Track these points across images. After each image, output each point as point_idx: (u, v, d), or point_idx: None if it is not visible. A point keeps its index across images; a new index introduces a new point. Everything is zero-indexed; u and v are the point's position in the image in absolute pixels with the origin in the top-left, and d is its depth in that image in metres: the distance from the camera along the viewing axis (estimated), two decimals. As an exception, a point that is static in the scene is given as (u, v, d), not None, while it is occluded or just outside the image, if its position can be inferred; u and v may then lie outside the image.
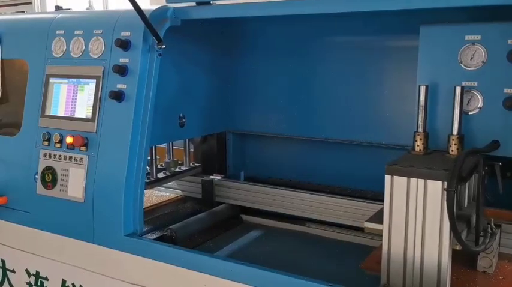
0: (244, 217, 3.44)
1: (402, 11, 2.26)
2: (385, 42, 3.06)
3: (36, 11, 7.25)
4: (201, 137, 3.70)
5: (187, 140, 3.56)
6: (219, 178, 3.56)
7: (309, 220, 3.20)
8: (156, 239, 2.90)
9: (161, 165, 3.50)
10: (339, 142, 3.28)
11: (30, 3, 7.51)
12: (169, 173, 3.40)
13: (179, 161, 3.55)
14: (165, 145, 3.51)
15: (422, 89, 2.28)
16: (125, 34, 2.69)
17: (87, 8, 5.10)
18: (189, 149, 3.60)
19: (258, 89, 3.54)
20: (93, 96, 2.74)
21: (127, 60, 2.67)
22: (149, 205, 3.51)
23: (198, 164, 3.63)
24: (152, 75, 2.67)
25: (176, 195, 3.70)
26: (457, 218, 2.16)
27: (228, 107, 3.63)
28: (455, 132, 2.23)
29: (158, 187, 3.71)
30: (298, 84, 3.37)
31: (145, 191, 3.67)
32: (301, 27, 3.30)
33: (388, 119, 3.08)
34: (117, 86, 2.68)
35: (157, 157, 3.42)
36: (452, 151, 2.24)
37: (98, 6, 6.91)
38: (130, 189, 2.63)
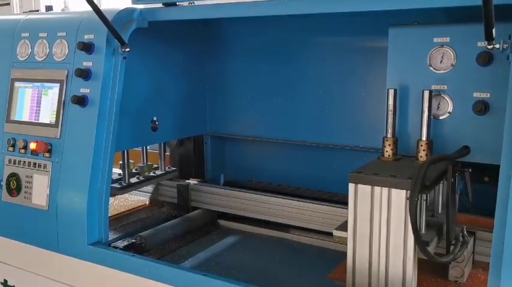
0: (222, 222, 3.41)
1: (379, 12, 2.22)
2: (364, 43, 3.04)
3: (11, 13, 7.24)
4: (178, 141, 3.67)
5: (162, 143, 3.53)
6: (195, 182, 3.53)
7: (289, 226, 3.17)
8: (125, 247, 2.88)
9: (136, 169, 3.48)
10: (317, 145, 3.26)
11: (8, 4, 7.46)
12: (142, 178, 3.37)
13: (154, 166, 3.53)
14: (140, 148, 3.49)
15: (391, 92, 2.25)
16: (88, 37, 2.66)
17: (63, 9, 5.05)
18: (164, 153, 3.57)
19: (236, 91, 3.51)
20: (56, 101, 2.72)
21: (90, 63, 2.64)
22: (123, 210, 3.49)
23: (173, 168, 3.60)
24: (117, 78, 2.64)
25: (152, 200, 3.67)
26: (428, 225, 2.15)
27: (205, 109, 3.61)
28: (423, 137, 2.20)
29: (134, 192, 3.69)
30: (277, 86, 3.35)
31: (121, 196, 3.70)
32: (279, 27, 3.27)
33: (365, 122, 3.06)
34: (81, 91, 2.65)
35: (132, 161, 3.41)
36: (421, 156, 2.21)
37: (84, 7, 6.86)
38: (94, 196, 2.61)
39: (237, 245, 3.11)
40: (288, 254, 2.97)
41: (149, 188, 3.65)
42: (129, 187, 3.23)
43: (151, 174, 3.45)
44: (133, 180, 3.31)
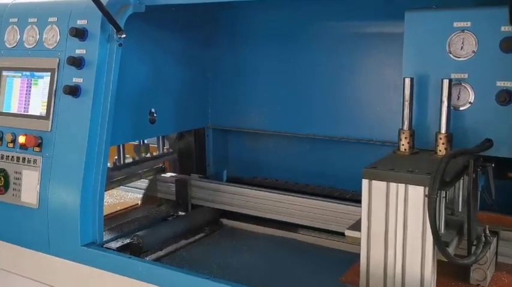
0: (225, 221, 3.41)
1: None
2: (378, 29, 3.02)
3: None
4: (177, 134, 3.66)
5: (161, 137, 3.52)
6: (196, 178, 3.52)
7: (297, 225, 3.17)
8: (120, 247, 2.88)
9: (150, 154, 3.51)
10: (327, 139, 3.25)
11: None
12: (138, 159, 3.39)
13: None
14: (137, 142, 3.49)
15: (407, 81, 2.22)
16: (81, 22, 2.65)
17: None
18: (163, 147, 3.58)
19: (240, 80, 3.50)
20: (47, 92, 2.71)
21: (83, 51, 2.63)
22: (118, 208, 3.49)
23: (171, 150, 3.62)
24: (112, 67, 2.63)
25: (150, 197, 3.66)
26: (448, 225, 2.13)
27: (207, 100, 3.60)
28: (443, 130, 2.17)
29: (130, 189, 3.70)
30: (285, 76, 3.34)
31: (116, 193, 3.71)
32: (288, 12, 3.26)
33: (380, 114, 3.04)
34: (73, 80, 2.64)
35: (128, 155, 3.41)
36: (439, 150, 2.19)
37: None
38: (88, 193, 2.60)
39: (242, 246, 3.10)
40: (296, 255, 2.96)
41: (146, 184, 3.66)
42: (124, 168, 3.26)
43: (148, 155, 3.47)
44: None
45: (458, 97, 2.21)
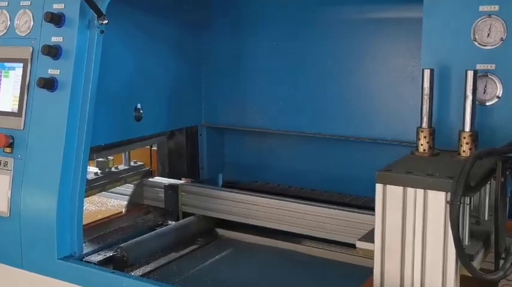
0: (220, 231, 3.42)
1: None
2: (392, 14, 3.03)
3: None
4: (167, 133, 3.66)
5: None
6: (187, 182, 3.54)
7: (301, 236, 3.18)
8: (103, 261, 2.89)
9: (115, 167, 3.50)
10: (337, 138, 3.26)
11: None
12: (101, 174, 3.43)
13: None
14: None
15: (427, 73, 2.22)
16: (57, 6, 2.66)
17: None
18: (150, 147, 3.60)
19: (238, 72, 3.51)
20: (19, 85, 2.71)
21: (60, 39, 2.64)
22: (101, 217, 3.49)
23: (140, 163, 3.64)
24: (93, 57, 2.64)
25: (136, 205, 3.68)
26: (472, 235, 2.13)
27: (200, 95, 3.61)
28: (467, 128, 2.17)
29: (114, 195, 3.72)
30: (289, 67, 3.35)
31: (98, 199, 3.72)
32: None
33: (394, 109, 3.05)
34: (49, 72, 2.65)
35: (111, 157, 3.42)
36: (463, 151, 2.19)
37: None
38: (65, 200, 2.61)
39: (239, 260, 3.12)
40: (300, 270, 2.97)
41: (131, 190, 3.68)
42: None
43: (113, 169, 3.49)
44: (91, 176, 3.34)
45: (485, 91, 2.21)
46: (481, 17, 2.20)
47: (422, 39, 2.30)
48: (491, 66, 2.20)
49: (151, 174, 3.72)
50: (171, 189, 3.48)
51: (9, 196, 2.70)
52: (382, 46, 3.07)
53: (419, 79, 2.25)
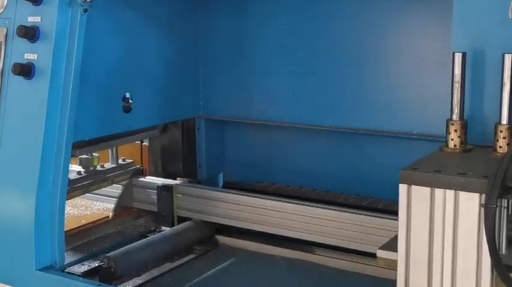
0: (221, 238, 3.43)
1: None
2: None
3: None
4: (160, 126, 3.66)
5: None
6: (183, 183, 3.54)
7: (313, 244, 3.18)
8: (87, 272, 2.90)
9: (101, 166, 3.51)
10: (353, 132, 3.26)
11: None
12: (85, 173, 3.43)
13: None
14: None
15: (458, 57, 2.22)
16: (35, -19, 2.66)
17: None
18: (141, 143, 3.61)
19: (241, 57, 3.50)
20: (-8, 71, 2.72)
21: (38, 19, 2.64)
22: (84, 222, 3.50)
23: (129, 160, 3.65)
24: (75, 39, 2.64)
25: (124, 208, 3.68)
26: (510, 243, 2.12)
27: (198, 83, 3.61)
28: (504, 120, 2.17)
29: (101, 197, 3.74)
30: (298, 51, 3.34)
31: (81, 202, 3.74)
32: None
33: (420, 99, 3.05)
34: (25, 57, 2.65)
35: (96, 154, 3.42)
36: (500, 147, 2.18)
37: None
38: (44, 203, 2.62)
39: (242, 270, 3.12)
40: (312, 283, 2.98)
41: (119, 191, 3.68)
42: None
43: (99, 168, 3.49)
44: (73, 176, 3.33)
45: (525, 77, 2.20)
46: (522, -8, 2.20)
47: (453, 18, 2.29)
48: (532, 49, 2.19)
49: (142, 173, 3.73)
50: (165, 190, 3.49)
51: (-19, 198, 2.71)
52: (406, 26, 3.06)
53: (449, 64, 2.24)
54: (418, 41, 3.04)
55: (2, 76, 2.71)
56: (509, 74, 2.14)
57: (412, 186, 2.00)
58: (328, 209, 3.13)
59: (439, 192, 1.96)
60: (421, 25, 3.03)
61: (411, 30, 3.07)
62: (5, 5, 2.74)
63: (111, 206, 3.71)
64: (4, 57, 2.71)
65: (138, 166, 3.73)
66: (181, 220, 3.47)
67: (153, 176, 3.74)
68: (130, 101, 3.17)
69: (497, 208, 1.87)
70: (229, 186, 3.66)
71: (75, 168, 3.39)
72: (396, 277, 2.06)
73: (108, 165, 3.59)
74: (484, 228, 1.88)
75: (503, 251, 2.04)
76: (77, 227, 3.44)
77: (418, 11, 3.03)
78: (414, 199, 2.00)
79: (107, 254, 2.98)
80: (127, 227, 3.50)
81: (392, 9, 3.09)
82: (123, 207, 3.67)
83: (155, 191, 3.53)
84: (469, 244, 1.93)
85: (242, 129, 3.68)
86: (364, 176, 3.33)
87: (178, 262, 3.18)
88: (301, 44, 3.32)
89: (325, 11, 3.24)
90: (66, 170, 2.69)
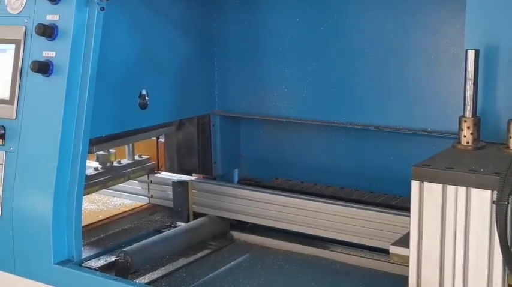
0: (236, 234, 3.44)
1: None
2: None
3: None
4: (176, 123, 3.68)
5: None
6: (199, 179, 3.55)
7: (328, 240, 3.19)
8: (104, 266, 2.91)
9: (117, 162, 3.53)
10: (369, 129, 3.26)
11: None
12: (102, 169, 3.43)
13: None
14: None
15: (471, 54, 2.22)
16: (53, -20, 2.68)
17: None
18: (157, 139, 3.63)
19: (256, 54, 3.51)
20: (11, 69, 2.74)
21: (56, 17, 2.65)
22: (101, 217, 3.53)
23: (146, 156, 3.65)
24: (92, 38, 2.66)
25: (142, 203, 3.72)
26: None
27: (213, 79, 3.63)
28: (517, 117, 2.18)
29: (118, 192, 3.76)
30: (314, 47, 3.34)
31: (98, 198, 3.77)
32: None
33: (434, 96, 3.04)
34: (44, 54, 2.67)
35: (112, 150, 3.44)
36: (513, 144, 2.19)
37: None
38: (62, 198, 2.64)
39: (257, 266, 3.12)
40: (326, 278, 2.97)
41: (135, 187, 3.71)
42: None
43: (115, 164, 3.50)
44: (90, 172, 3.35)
45: (539, 74, 2.22)
46: (535, -11, 2.20)
47: (467, 14, 2.29)
48: (545, 47, 2.20)
49: (158, 169, 3.74)
50: (181, 186, 3.50)
51: (1, 193, 2.74)
52: (422, 22, 3.05)
53: (463, 61, 2.24)
54: (434, 37, 3.02)
55: (21, 74, 2.73)
56: (522, 72, 2.16)
57: (424, 182, 2.01)
58: (342, 205, 3.13)
59: (451, 189, 1.97)
60: (437, 21, 3.01)
61: (427, 26, 3.04)
62: (24, 4, 2.76)
63: (128, 201, 3.74)
64: (23, 55, 2.73)
65: (153, 162, 3.73)
66: (197, 215, 3.48)
67: (168, 172, 3.76)
68: (146, 98, 3.20)
69: (509, 205, 1.87)
70: (244, 182, 3.68)
71: (92, 164, 3.41)
72: (408, 272, 2.08)
73: (124, 161, 3.61)
74: (495, 224, 1.89)
75: (515, 247, 2.05)
76: (94, 223, 3.48)
77: (434, 7, 3.01)
78: (426, 195, 2.01)
79: (123, 249, 3.00)
80: (143, 223, 3.51)
81: (408, 5, 3.08)
82: (140, 203, 3.72)
83: (171, 187, 3.55)
84: (480, 240, 1.94)
85: (257, 126, 3.68)
86: (379, 173, 3.33)
87: (193, 257, 3.20)
88: (316, 40, 3.32)
89: (341, 8, 3.24)
90: (84, 166, 2.71)
